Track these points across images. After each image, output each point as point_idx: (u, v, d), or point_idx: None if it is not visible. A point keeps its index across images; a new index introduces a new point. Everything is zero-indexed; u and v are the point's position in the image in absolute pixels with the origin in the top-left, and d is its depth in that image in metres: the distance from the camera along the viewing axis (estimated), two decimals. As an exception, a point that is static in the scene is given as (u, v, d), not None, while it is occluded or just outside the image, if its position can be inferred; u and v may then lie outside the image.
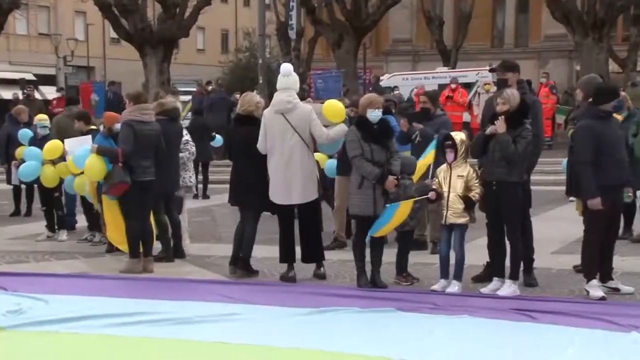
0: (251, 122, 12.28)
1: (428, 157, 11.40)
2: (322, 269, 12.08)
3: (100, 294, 11.05)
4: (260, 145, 11.90)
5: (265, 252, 12.89)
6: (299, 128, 11.61)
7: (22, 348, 8.79)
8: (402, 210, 10.72)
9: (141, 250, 12.73)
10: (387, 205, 10.77)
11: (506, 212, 10.56)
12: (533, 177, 11.17)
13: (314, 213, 12.09)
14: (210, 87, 31.98)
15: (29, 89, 35.90)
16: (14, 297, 10.81)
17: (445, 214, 10.80)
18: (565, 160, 13.26)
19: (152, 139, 12.58)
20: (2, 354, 8.66)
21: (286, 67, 12.47)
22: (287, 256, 12.02)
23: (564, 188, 17.66)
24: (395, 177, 10.85)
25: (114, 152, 12.60)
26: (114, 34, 45.93)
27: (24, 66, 53.97)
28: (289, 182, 11.72)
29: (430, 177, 11.38)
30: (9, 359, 8.48)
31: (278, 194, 11.84)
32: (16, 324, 9.49)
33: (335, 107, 12.31)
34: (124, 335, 9.09)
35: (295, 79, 12.23)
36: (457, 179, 10.68)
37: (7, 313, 9.89)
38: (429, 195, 10.85)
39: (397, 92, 27.99)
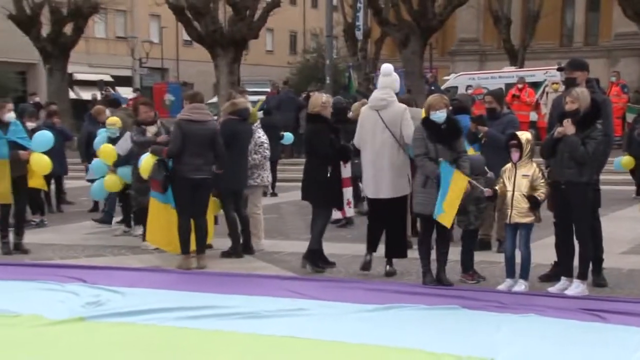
0: (319, 121, 12.31)
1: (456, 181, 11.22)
2: (391, 266, 12.01)
3: (173, 288, 11.21)
4: (355, 140, 12.10)
5: (333, 250, 12.83)
6: (391, 125, 11.65)
7: (100, 338, 8.90)
8: (458, 182, 10.47)
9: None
10: (439, 171, 10.58)
11: (576, 213, 10.35)
12: (602, 177, 10.87)
13: (400, 209, 12.04)
14: (280, 87, 31.98)
15: (106, 89, 36.25)
16: (93, 289, 10.99)
17: (510, 213, 10.63)
18: (617, 160, 13.13)
19: (204, 137, 12.55)
20: (81, 343, 8.76)
21: (386, 67, 12.59)
22: (369, 243, 12.11)
23: (633, 187, 17.52)
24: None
25: (161, 151, 12.76)
26: (186, 36, 46.09)
27: (102, 68, 54.51)
28: (378, 176, 11.79)
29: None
30: (87, 348, 8.53)
31: (368, 188, 12.04)
32: (95, 315, 9.70)
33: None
34: (196, 327, 9.15)
35: (393, 78, 12.28)
36: (522, 179, 10.53)
37: (87, 304, 10.13)
38: (484, 191, 10.76)
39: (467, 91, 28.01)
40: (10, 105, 14.06)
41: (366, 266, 11.97)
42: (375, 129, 11.77)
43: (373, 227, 12.13)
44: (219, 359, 8.15)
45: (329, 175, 12.17)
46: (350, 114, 14.66)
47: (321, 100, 12.65)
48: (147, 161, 12.88)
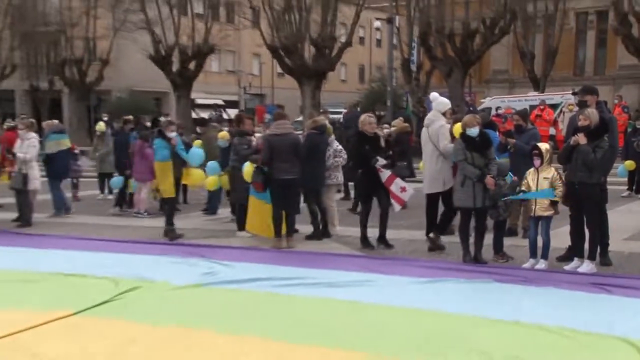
0: (361, 137, 12.60)
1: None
2: (437, 241, 12.14)
3: (268, 263, 11.25)
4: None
5: (393, 235, 12.74)
6: (433, 138, 11.97)
7: (213, 300, 9.12)
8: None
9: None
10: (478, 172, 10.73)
11: (586, 207, 10.29)
12: (609, 179, 10.83)
13: (435, 201, 12.21)
14: (346, 108, 31.93)
15: (219, 111, 36.63)
16: (208, 262, 11.15)
17: (534, 208, 10.62)
18: (621, 166, 13.02)
19: (288, 146, 12.64)
20: (199, 303, 8.96)
21: (432, 95, 13.22)
22: (440, 226, 12.32)
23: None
24: (492, 177, 10.69)
25: (257, 160, 12.91)
26: (279, 69, 46.38)
27: (216, 94, 54.99)
28: (425, 176, 12.28)
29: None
30: (203, 307, 8.70)
31: (424, 184, 12.21)
32: (210, 282, 9.89)
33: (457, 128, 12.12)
34: (286, 293, 9.23)
35: (438, 102, 12.58)
36: (543, 180, 10.45)
37: (204, 274, 10.33)
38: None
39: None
40: (174, 127, 14.49)
41: (442, 248, 12.13)
42: (425, 141, 12.12)
43: (431, 214, 12.25)
44: (304, 318, 8.08)
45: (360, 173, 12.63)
46: (393, 129, 14.50)
47: (367, 120, 12.79)
48: (247, 168, 12.98)
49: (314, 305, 8.69)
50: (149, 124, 19.83)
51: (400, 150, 13.45)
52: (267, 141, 12.82)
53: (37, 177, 15.93)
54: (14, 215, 16.45)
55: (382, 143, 12.71)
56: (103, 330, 7.76)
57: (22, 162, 15.68)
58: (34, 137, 16.31)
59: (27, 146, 15.78)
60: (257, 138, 13.98)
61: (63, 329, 7.80)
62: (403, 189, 12.52)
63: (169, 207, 14.49)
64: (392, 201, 12.46)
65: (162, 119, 21.98)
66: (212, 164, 14.88)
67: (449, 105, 12.69)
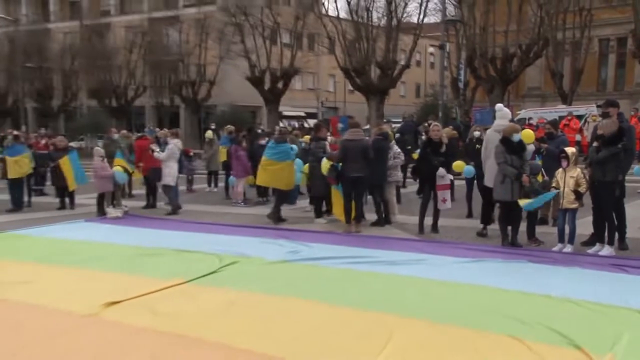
0: (428, 141, 12.56)
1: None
2: (485, 231, 11.95)
3: (341, 244, 11.18)
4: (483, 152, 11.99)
5: (443, 223, 12.61)
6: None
7: (296, 273, 9.09)
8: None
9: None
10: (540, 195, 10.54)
11: (604, 201, 10.10)
12: (627, 177, 10.52)
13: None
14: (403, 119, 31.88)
15: (301, 121, 36.77)
16: (292, 243, 11.16)
17: (562, 201, 10.42)
18: (636, 167, 12.67)
19: (358, 149, 12.60)
20: (285, 275, 8.95)
21: (499, 105, 12.86)
22: (484, 218, 12.06)
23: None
24: (527, 175, 10.55)
25: (333, 158, 13.02)
26: (350, 87, 46.38)
27: (299, 107, 55.33)
28: (488, 172, 11.68)
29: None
30: (288, 279, 8.70)
31: (486, 179, 11.76)
32: (293, 259, 9.93)
33: (528, 133, 12.11)
34: (354, 269, 9.17)
35: (503, 112, 12.27)
36: (569, 179, 10.29)
37: (289, 253, 10.37)
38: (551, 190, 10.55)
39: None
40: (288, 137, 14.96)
41: (484, 235, 11.90)
42: (493, 143, 11.51)
43: (487, 206, 12.05)
44: (370, 289, 8.03)
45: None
46: (444, 135, 14.34)
47: (434, 128, 12.79)
48: (324, 164, 13.01)
49: (378, 279, 8.62)
50: (260, 130, 20.17)
51: (450, 153, 13.26)
52: (342, 144, 12.93)
53: (171, 174, 16.11)
54: (143, 203, 17.15)
55: (443, 148, 12.55)
56: (209, 295, 7.86)
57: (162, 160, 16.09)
58: (175, 142, 16.60)
59: (167, 149, 16.08)
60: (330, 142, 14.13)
61: (177, 293, 7.90)
62: (444, 200, 12.49)
63: (280, 198, 14.69)
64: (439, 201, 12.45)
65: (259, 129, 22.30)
66: (298, 162, 14.95)
67: (510, 115, 12.45)
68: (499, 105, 12.86)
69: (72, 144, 24.70)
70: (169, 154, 15.98)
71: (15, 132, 17.88)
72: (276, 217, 14.06)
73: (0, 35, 57.58)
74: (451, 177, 12.93)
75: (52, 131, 30.10)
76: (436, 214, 12.50)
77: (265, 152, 14.59)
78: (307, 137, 16.73)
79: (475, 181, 13.32)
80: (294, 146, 15.50)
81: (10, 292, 8.14)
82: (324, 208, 14.54)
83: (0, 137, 21.45)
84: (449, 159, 12.65)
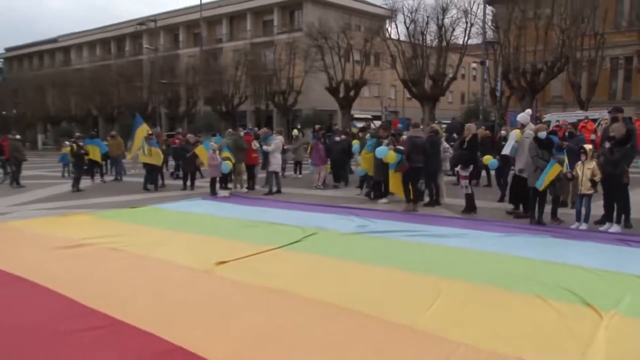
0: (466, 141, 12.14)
1: (552, 171, 10.59)
2: (516, 209, 11.75)
3: (400, 220, 11.07)
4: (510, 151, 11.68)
5: (481, 204, 12.40)
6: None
7: (364, 243, 8.99)
8: (552, 171, 10.17)
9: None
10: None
11: (614, 188, 9.86)
12: (631, 170, 10.21)
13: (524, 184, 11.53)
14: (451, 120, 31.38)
15: (368, 122, 36.63)
16: (360, 219, 11.10)
17: (580, 188, 10.21)
18: None
19: (419, 145, 12.49)
20: (356, 244, 8.89)
21: (529, 112, 12.44)
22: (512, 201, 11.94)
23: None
24: None
25: (403, 152, 12.73)
26: (408, 95, 45.95)
27: (367, 111, 55.03)
28: (522, 164, 11.36)
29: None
30: (358, 247, 8.64)
31: (517, 167, 11.52)
32: (362, 232, 9.85)
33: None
34: (411, 240, 9.08)
35: (521, 117, 11.95)
36: (587, 170, 10.06)
37: (358, 226, 10.29)
38: (568, 175, 10.39)
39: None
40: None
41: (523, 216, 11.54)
42: (527, 141, 11.18)
43: (521, 194, 11.69)
44: (423, 256, 7.96)
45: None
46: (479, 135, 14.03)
47: (472, 128, 12.49)
48: (390, 155, 12.81)
49: (429, 248, 8.54)
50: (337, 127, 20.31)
51: (483, 149, 13.05)
52: (409, 140, 12.75)
53: (277, 163, 16.34)
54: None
55: (465, 144, 12.29)
56: (295, 258, 7.93)
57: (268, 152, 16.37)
58: (279, 138, 16.85)
59: (273, 142, 16.33)
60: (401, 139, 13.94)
61: (271, 256, 8.00)
62: (462, 187, 12.32)
63: (375, 187, 14.44)
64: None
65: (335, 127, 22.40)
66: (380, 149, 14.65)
67: (523, 118, 11.94)
68: (529, 112, 12.51)
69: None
70: (274, 147, 16.23)
71: (150, 132, 18.43)
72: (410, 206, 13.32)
73: (145, 60, 59.74)
74: (470, 169, 12.48)
75: (183, 131, 31.13)
76: (467, 197, 12.31)
77: (366, 146, 14.52)
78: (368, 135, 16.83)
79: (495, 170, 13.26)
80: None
81: (150, 250, 8.42)
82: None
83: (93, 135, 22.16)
84: (471, 153, 12.28)
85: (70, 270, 7.34)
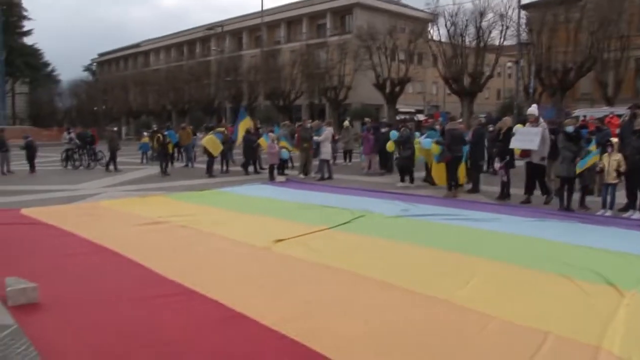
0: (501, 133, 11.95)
1: (592, 159, 10.25)
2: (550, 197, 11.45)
3: (440, 205, 10.94)
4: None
5: (514, 191, 12.12)
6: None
7: (407, 225, 8.92)
8: (592, 160, 10.12)
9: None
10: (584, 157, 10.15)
11: (637, 178, 9.59)
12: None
13: (541, 170, 11.42)
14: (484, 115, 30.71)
15: (411, 116, 36.25)
16: (404, 203, 10.99)
17: (606, 177, 9.97)
18: None
19: (458, 136, 12.23)
20: (400, 226, 8.80)
21: (533, 107, 12.08)
22: (527, 190, 11.53)
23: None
24: (580, 158, 10.09)
25: (443, 143, 12.53)
26: (448, 91, 45.20)
27: (410, 106, 54.45)
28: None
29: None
30: (402, 229, 8.56)
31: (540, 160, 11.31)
32: (405, 215, 9.74)
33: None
34: (450, 223, 8.95)
35: (531, 109, 11.75)
36: (613, 161, 9.85)
37: (402, 210, 10.18)
38: (597, 168, 10.20)
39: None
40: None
41: (526, 200, 11.38)
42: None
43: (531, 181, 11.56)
44: (460, 238, 7.85)
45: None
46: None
47: (507, 122, 12.31)
48: (434, 148, 12.75)
49: (466, 230, 8.40)
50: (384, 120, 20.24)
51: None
52: (448, 132, 12.51)
53: (328, 152, 16.40)
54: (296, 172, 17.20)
55: (500, 137, 12.15)
56: (344, 238, 7.92)
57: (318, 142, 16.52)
58: (329, 129, 16.90)
59: (323, 133, 16.40)
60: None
61: (322, 236, 7.99)
62: (500, 175, 12.08)
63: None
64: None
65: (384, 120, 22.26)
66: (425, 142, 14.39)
67: (536, 114, 11.57)
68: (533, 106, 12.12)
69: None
70: (324, 137, 16.27)
71: (222, 128, 19.04)
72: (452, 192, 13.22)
73: (212, 61, 60.44)
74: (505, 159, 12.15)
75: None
76: (502, 185, 12.11)
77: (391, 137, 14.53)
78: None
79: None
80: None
81: (215, 229, 8.56)
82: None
83: (210, 127, 22.57)
84: (506, 145, 11.90)
85: (147, 244, 7.56)
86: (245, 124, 18.83)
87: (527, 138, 11.18)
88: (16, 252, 7.10)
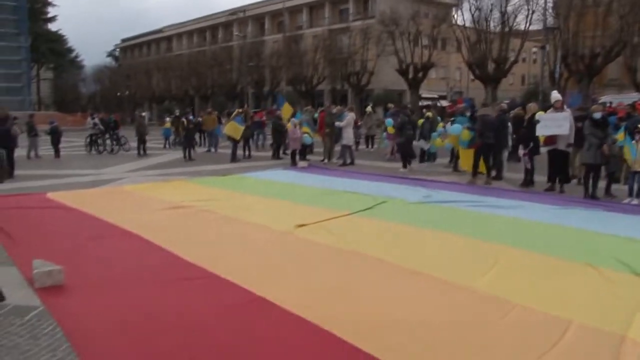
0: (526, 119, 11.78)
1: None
2: (560, 184, 11.15)
3: (461, 191, 10.85)
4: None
5: (538, 179, 11.92)
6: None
7: (430, 211, 8.86)
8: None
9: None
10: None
11: None
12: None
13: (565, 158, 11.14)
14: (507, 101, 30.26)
15: (434, 102, 35.91)
16: (426, 189, 10.98)
17: (633, 165, 9.76)
18: None
19: (490, 122, 12.02)
20: (422, 212, 8.73)
21: (554, 93, 11.81)
22: (550, 178, 11.27)
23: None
24: (607, 145, 9.91)
25: (474, 129, 12.41)
26: (472, 77, 44.65)
27: (433, 91, 53.98)
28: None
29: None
30: (424, 215, 8.50)
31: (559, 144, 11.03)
32: (427, 201, 9.73)
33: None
34: (472, 210, 8.87)
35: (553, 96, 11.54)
36: None
37: (424, 196, 10.16)
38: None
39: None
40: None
41: (550, 188, 11.13)
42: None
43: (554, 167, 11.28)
44: (483, 225, 7.78)
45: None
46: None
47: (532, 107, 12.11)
48: (465, 134, 12.63)
49: (489, 217, 8.32)
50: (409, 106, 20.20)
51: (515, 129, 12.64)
52: (481, 118, 12.29)
53: (350, 137, 16.33)
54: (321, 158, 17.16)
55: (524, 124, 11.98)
56: (366, 223, 7.91)
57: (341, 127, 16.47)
58: (351, 115, 16.84)
59: (346, 119, 16.35)
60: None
61: (344, 221, 8.00)
62: (525, 162, 11.88)
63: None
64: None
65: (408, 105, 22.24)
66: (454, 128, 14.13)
67: (559, 98, 11.35)
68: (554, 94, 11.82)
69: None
70: (347, 122, 16.21)
71: (240, 110, 19.09)
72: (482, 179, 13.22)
73: (235, 46, 60.62)
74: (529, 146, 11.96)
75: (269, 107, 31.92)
76: (526, 172, 11.93)
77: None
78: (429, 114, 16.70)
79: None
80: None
81: (238, 213, 8.62)
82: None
83: (231, 113, 22.66)
84: (531, 131, 11.71)
85: (170, 228, 7.64)
86: (287, 110, 19.10)
87: (555, 124, 10.84)
88: (42, 235, 7.25)
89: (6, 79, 74.66)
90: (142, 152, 20.60)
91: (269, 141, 21.12)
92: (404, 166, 14.72)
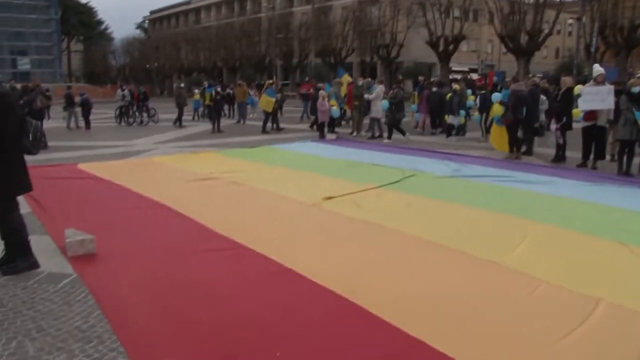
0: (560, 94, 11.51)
1: None
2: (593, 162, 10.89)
3: (490, 166, 10.72)
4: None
5: (570, 154, 11.69)
6: None
7: (458, 185, 8.78)
8: None
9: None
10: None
11: None
12: None
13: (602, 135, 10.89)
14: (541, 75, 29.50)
15: (465, 75, 35.17)
16: (455, 164, 10.90)
17: None
18: None
19: (522, 97, 11.72)
20: (450, 186, 8.68)
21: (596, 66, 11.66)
22: (585, 155, 11.04)
23: None
24: None
25: (507, 104, 12.11)
26: (504, 50, 43.62)
27: (464, 64, 53.03)
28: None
29: None
30: (453, 189, 8.41)
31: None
32: (456, 175, 9.69)
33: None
34: (502, 185, 8.78)
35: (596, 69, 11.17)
36: None
37: (453, 170, 10.13)
38: None
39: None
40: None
41: (582, 164, 10.91)
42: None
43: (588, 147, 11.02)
44: (512, 200, 7.67)
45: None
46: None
47: (568, 81, 11.75)
48: (497, 108, 12.40)
49: (518, 192, 8.21)
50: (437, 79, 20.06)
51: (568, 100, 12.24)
52: (513, 93, 12.00)
53: (379, 110, 16.20)
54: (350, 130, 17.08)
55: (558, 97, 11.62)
56: (393, 196, 7.89)
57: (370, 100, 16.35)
58: (380, 87, 16.65)
59: (375, 91, 16.21)
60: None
61: (372, 194, 8.00)
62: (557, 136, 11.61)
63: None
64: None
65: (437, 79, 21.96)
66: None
67: (602, 72, 10.98)
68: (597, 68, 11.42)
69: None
70: (376, 95, 16.07)
71: (270, 81, 19.08)
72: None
73: (263, 18, 60.43)
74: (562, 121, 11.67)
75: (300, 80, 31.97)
76: (557, 147, 11.73)
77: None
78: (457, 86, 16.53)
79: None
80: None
81: (266, 185, 8.68)
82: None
83: (260, 85, 22.70)
84: (564, 106, 11.40)
85: (199, 199, 7.74)
86: (346, 79, 19.51)
87: (598, 98, 10.39)
88: (74, 205, 7.42)
89: (37, 51, 75.92)
90: (178, 123, 20.79)
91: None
92: (389, 137, 15.21)
